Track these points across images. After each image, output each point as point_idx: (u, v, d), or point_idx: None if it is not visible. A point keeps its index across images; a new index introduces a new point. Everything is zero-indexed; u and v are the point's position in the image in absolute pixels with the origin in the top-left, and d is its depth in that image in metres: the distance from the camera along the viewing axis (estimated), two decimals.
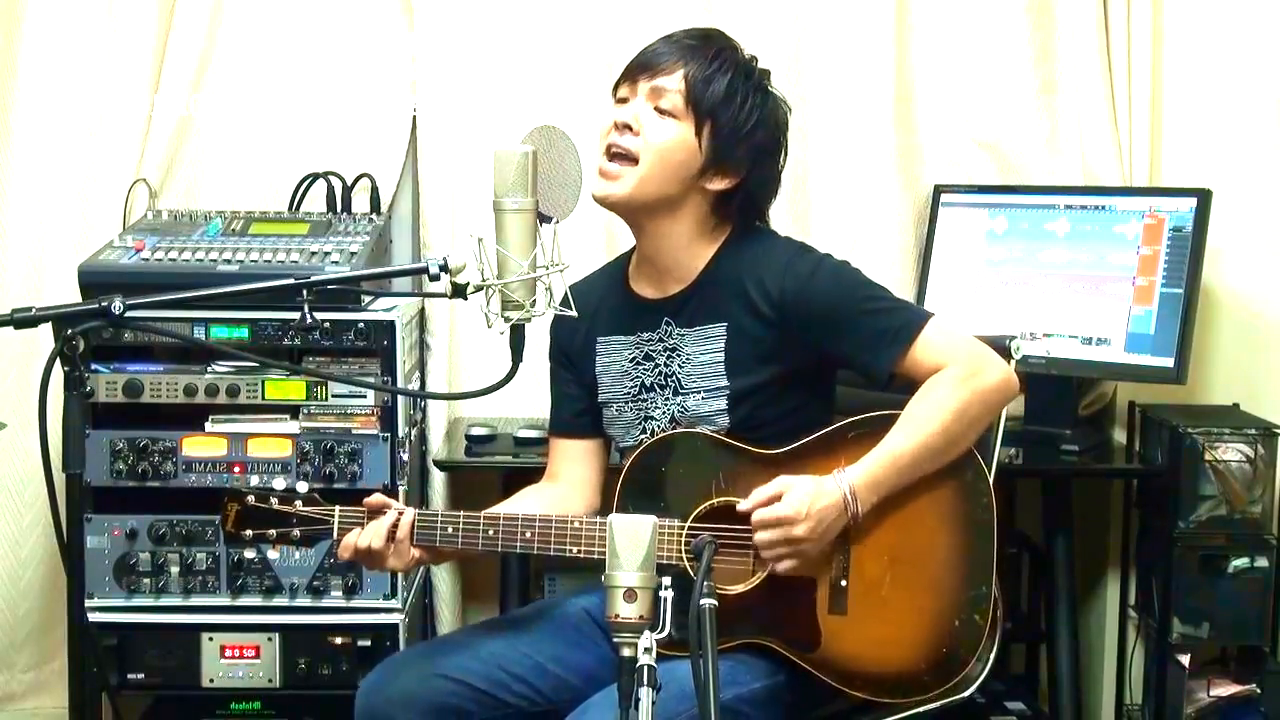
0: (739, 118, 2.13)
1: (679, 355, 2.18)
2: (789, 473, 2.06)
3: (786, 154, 2.23)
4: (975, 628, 2.07)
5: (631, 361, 2.23)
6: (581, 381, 2.30)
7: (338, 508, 2.09)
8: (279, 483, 2.11)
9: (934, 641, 2.08)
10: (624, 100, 2.16)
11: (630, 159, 2.12)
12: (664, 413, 2.19)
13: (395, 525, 2.07)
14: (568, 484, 2.30)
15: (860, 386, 2.25)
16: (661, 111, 2.12)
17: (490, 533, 2.08)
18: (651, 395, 2.21)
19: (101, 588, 2.62)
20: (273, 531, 2.09)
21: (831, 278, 2.14)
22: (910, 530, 2.09)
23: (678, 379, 2.18)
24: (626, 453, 2.24)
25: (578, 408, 2.31)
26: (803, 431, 2.13)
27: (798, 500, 2.01)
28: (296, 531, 2.09)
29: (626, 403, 2.23)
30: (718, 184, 2.15)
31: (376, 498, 2.10)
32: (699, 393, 2.16)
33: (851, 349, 2.11)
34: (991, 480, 2.12)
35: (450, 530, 2.08)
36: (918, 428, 2.06)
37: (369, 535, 2.06)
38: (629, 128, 2.11)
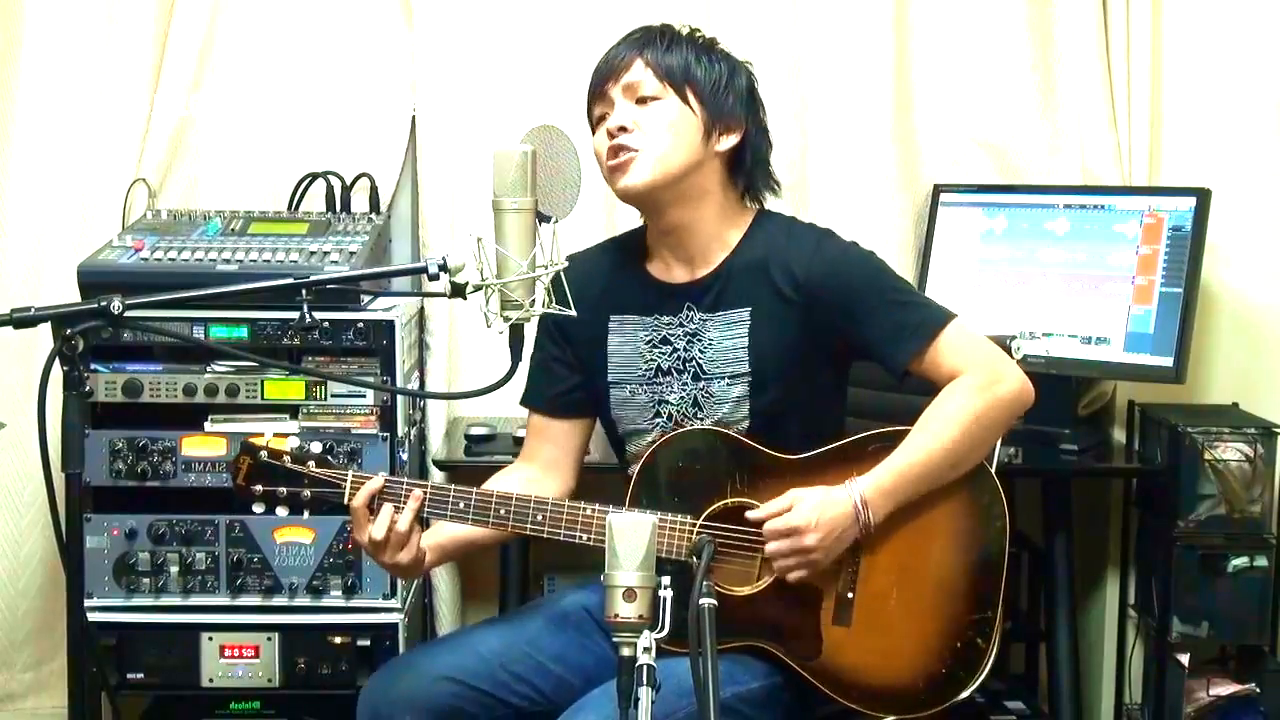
0: (714, 72, 2.15)
1: (700, 340, 2.17)
2: (807, 480, 2.06)
3: (765, 110, 2.24)
4: (977, 651, 2.08)
5: (647, 344, 2.21)
6: (571, 359, 2.27)
7: (350, 472, 2.06)
8: (292, 441, 2.08)
9: (935, 661, 2.08)
10: (603, 117, 2.16)
11: (636, 151, 2.10)
12: (681, 398, 2.18)
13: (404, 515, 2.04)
14: (542, 466, 2.28)
15: (874, 387, 2.25)
16: (644, 100, 2.12)
17: (501, 512, 2.07)
18: (668, 379, 2.19)
19: (101, 587, 2.62)
20: (283, 490, 2.05)
21: (859, 264, 2.14)
22: (921, 548, 2.09)
23: (698, 364, 2.17)
24: (632, 438, 2.23)
25: (561, 385, 2.28)
26: (817, 433, 2.12)
27: (808, 510, 2.01)
28: (307, 492, 2.05)
29: (641, 385, 2.21)
30: (727, 141, 2.15)
31: (379, 481, 2.06)
32: (722, 378, 2.15)
33: (872, 337, 2.11)
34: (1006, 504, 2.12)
35: (461, 506, 2.07)
36: (932, 436, 2.05)
37: (380, 527, 2.03)
38: (624, 129, 2.11)
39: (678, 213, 2.16)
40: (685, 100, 2.12)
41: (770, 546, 2.03)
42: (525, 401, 2.32)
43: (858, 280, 2.12)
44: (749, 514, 2.05)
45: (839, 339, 2.14)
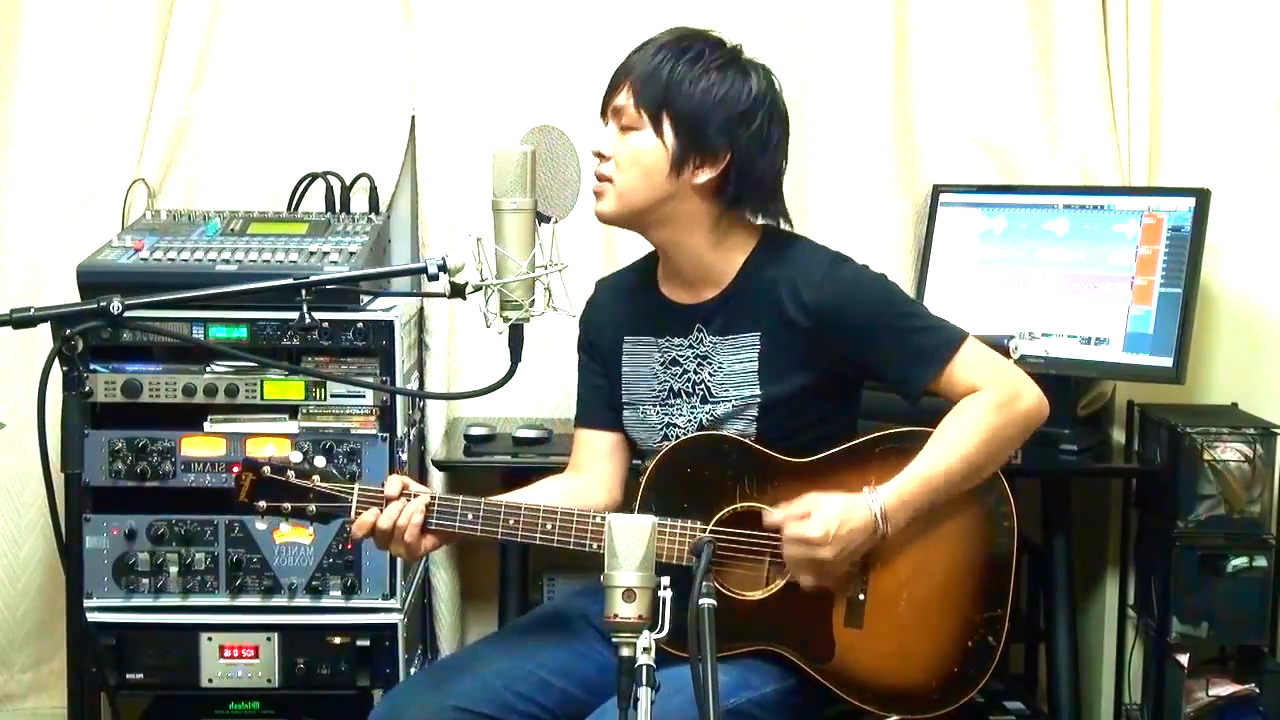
0: (694, 100, 2.07)
1: (710, 363, 2.17)
2: (816, 483, 2.06)
3: (783, 124, 2.17)
4: (988, 649, 2.09)
5: (660, 365, 2.22)
6: (608, 376, 2.29)
7: (356, 485, 2.06)
8: (294, 456, 2.08)
9: (947, 661, 2.09)
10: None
11: (610, 181, 2.12)
12: (689, 420, 2.18)
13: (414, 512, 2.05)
14: (591, 477, 2.29)
15: (883, 389, 2.25)
16: (625, 129, 2.11)
17: (511, 522, 2.07)
18: (677, 402, 2.20)
19: (100, 588, 2.62)
20: (288, 505, 2.04)
21: (870, 289, 2.14)
22: (931, 550, 2.10)
23: (706, 387, 2.17)
24: (645, 458, 2.23)
25: (605, 402, 2.30)
26: (828, 441, 2.12)
27: (825, 521, 2.00)
28: (313, 506, 2.04)
29: (653, 405, 2.22)
30: (704, 174, 2.11)
31: (395, 483, 2.07)
32: (729, 401, 2.15)
33: (886, 363, 2.11)
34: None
35: (470, 517, 2.07)
36: (951, 449, 2.05)
37: (388, 517, 2.04)
38: (601, 155, 2.13)
39: (662, 234, 2.16)
40: (660, 134, 2.09)
41: (787, 551, 2.03)
42: (579, 423, 2.34)
43: (869, 306, 2.11)
44: (767, 519, 2.05)
45: (851, 364, 2.14)
